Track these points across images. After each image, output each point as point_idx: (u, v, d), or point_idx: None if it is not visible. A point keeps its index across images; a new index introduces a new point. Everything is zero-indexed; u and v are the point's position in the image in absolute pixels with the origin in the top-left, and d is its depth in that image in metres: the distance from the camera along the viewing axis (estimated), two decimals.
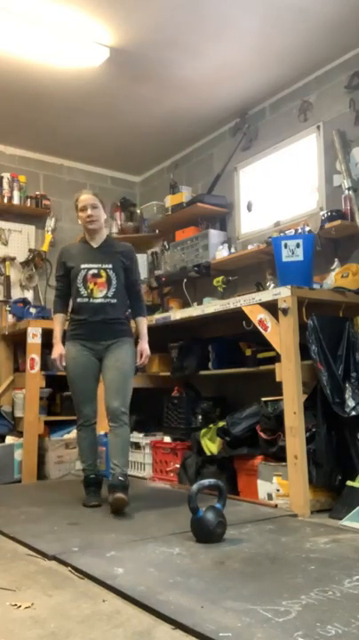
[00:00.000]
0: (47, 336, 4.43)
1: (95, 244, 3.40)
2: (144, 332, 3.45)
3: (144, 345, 3.42)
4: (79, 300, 3.32)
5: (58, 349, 3.36)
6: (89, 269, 3.32)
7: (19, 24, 3.55)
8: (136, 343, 3.43)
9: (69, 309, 3.44)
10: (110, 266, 3.34)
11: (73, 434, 4.32)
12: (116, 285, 3.34)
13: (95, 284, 3.30)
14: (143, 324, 3.47)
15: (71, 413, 3.71)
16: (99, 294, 3.30)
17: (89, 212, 3.33)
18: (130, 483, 3.20)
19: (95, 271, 3.32)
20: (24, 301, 4.89)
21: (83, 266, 3.32)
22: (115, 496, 2.97)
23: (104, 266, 3.33)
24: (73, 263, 3.35)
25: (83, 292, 3.30)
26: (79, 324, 3.33)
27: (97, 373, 3.37)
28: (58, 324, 3.44)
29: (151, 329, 4.33)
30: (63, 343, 3.39)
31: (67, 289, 3.40)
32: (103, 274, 3.32)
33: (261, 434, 3.38)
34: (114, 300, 3.33)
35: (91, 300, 3.30)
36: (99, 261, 3.34)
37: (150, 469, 4.27)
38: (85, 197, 3.36)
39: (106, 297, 3.31)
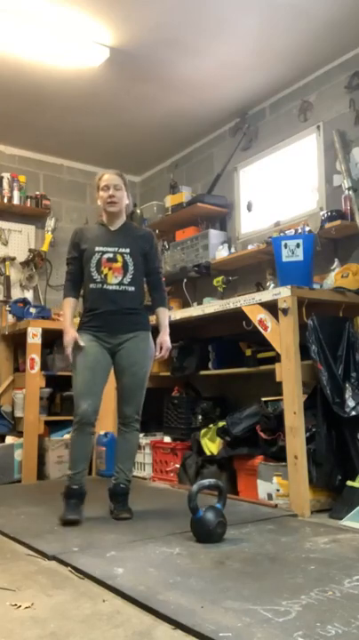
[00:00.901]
0: (47, 336, 4.44)
1: (113, 228, 3.14)
2: (165, 323, 3.18)
3: (165, 337, 3.14)
4: (92, 285, 3.03)
5: (71, 333, 3.00)
6: (104, 253, 3.03)
7: (19, 24, 3.56)
8: (154, 335, 3.17)
9: (82, 298, 3.18)
10: (127, 250, 3.06)
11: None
12: (133, 272, 3.06)
13: (110, 268, 3.02)
14: (165, 314, 3.21)
15: (71, 413, 3.65)
16: (114, 280, 3.02)
17: (111, 192, 3.06)
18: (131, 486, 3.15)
19: (111, 255, 3.04)
20: (24, 301, 4.89)
21: (97, 249, 3.04)
22: (120, 517, 2.96)
23: (121, 250, 3.05)
24: (86, 245, 3.07)
25: (96, 276, 3.02)
26: (93, 315, 3.04)
27: (107, 369, 3.06)
28: (69, 307, 3.11)
29: (151, 329, 4.35)
30: None
31: (80, 274, 3.11)
32: (119, 258, 3.04)
33: (261, 434, 3.38)
34: (130, 288, 3.05)
35: (105, 287, 3.01)
36: (116, 245, 3.06)
37: (150, 469, 4.27)
38: (109, 177, 3.09)
39: (121, 284, 3.03)
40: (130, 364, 3.04)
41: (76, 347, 2.99)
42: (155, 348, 3.12)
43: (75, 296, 3.16)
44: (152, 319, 3.23)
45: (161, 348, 3.12)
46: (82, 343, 2.97)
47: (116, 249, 3.06)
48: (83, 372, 2.97)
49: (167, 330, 3.17)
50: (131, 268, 3.06)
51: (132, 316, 3.06)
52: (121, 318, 3.03)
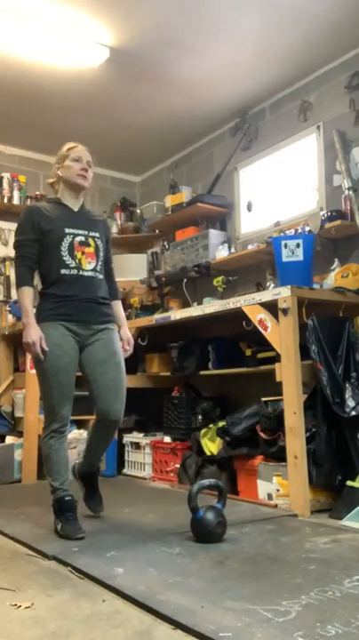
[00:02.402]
0: None
1: (75, 208, 2.84)
2: (124, 316, 3.01)
3: (128, 332, 2.98)
4: (64, 271, 2.69)
5: (36, 331, 2.63)
6: (75, 235, 2.73)
7: (19, 24, 3.56)
8: None
9: (41, 283, 2.82)
10: (97, 234, 2.81)
11: (73, 434, 4.32)
12: (103, 258, 2.82)
13: (83, 253, 2.73)
14: (121, 307, 3.02)
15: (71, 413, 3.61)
16: (89, 267, 2.74)
17: (85, 165, 2.79)
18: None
19: (82, 238, 2.75)
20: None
21: (67, 230, 2.72)
22: (99, 510, 3.00)
23: (91, 234, 2.78)
24: (51, 225, 2.71)
25: (69, 262, 2.69)
26: (63, 302, 2.69)
27: (77, 365, 2.76)
28: (29, 298, 2.69)
29: (151, 329, 4.35)
30: None
31: (37, 258, 2.74)
32: (92, 243, 2.77)
33: (261, 434, 3.38)
34: (101, 276, 2.81)
35: (81, 273, 2.72)
36: (86, 228, 2.78)
37: (150, 469, 4.27)
38: (82, 150, 2.84)
39: (94, 270, 2.76)
40: (111, 353, 2.77)
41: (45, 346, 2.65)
42: (123, 343, 2.91)
43: (33, 285, 2.75)
44: None
45: (127, 344, 2.95)
46: (46, 348, 2.63)
47: (87, 232, 2.78)
48: (59, 375, 2.67)
49: (126, 324, 3.02)
50: (101, 254, 2.82)
51: (105, 306, 2.83)
52: (95, 308, 2.77)
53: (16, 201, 5.19)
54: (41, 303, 2.78)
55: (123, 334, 2.94)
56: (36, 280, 2.84)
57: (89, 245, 2.77)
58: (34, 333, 2.63)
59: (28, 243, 2.74)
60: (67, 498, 2.67)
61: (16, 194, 5.19)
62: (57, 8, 3.44)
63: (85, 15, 3.54)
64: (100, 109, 4.70)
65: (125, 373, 2.83)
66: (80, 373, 2.79)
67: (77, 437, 4.32)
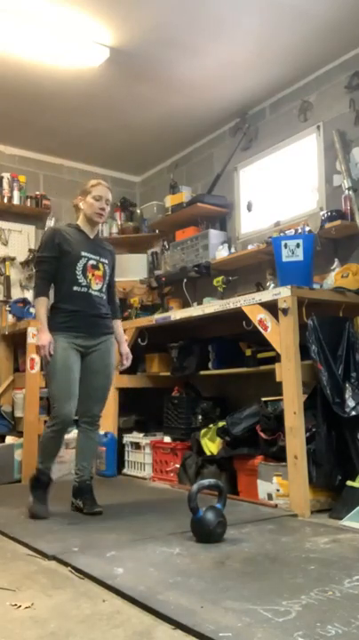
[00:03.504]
0: None
1: (91, 235, 3.27)
2: (123, 334, 3.46)
3: (127, 348, 3.41)
4: (76, 288, 3.12)
5: (48, 336, 3.04)
6: (89, 259, 3.17)
7: (19, 24, 3.56)
8: None
9: (54, 296, 3.22)
10: (106, 261, 3.27)
11: (73, 434, 4.31)
12: (107, 282, 3.28)
13: (93, 275, 3.18)
14: (121, 326, 3.46)
15: None
16: (96, 287, 3.19)
17: (104, 204, 3.20)
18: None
19: (94, 262, 3.19)
20: (24, 301, 4.89)
21: (84, 254, 3.16)
22: (94, 510, 3.06)
23: (102, 260, 3.24)
24: (70, 248, 3.14)
25: (82, 280, 3.13)
26: (72, 316, 3.12)
27: (79, 372, 3.17)
28: (44, 307, 3.11)
29: (151, 329, 4.35)
30: None
31: (54, 274, 3.15)
32: (101, 267, 3.22)
33: (261, 434, 3.38)
34: (105, 296, 3.26)
35: (89, 291, 3.16)
36: (98, 254, 3.23)
37: (150, 469, 4.27)
38: (104, 189, 3.22)
39: (100, 290, 3.22)
40: (104, 365, 3.22)
41: (54, 349, 3.05)
42: (122, 358, 3.36)
43: (48, 296, 3.16)
44: None
45: (126, 359, 3.37)
46: (52, 352, 3.03)
47: (98, 257, 3.23)
48: (64, 376, 3.07)
49: (125, 341, 3.46)
50: (107, 277, 3.27)
51: (107, 320, 3.27)
52: (99, 322, 3.21)
53: (16, 201, 5.19)
54: (53, 316, 3.14)
55: (122, 350, 3.38)
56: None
57: (99, 269, 3.22)
58: (45, 338, 3.05)
59: (49, 260, 3.15)
60: (42, 476, 3.11)
61: (16, 194, 5.19)
62: (57, 8, 3.44)
63: (85, 15, 3.54)
64: (100, 109, 4.70)
65: (112, 382, 3.34)
66: None
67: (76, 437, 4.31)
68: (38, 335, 3.09)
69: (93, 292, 3.18)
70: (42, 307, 3.11)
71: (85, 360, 3.18)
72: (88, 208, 3.21)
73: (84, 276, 3.15)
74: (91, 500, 3.12)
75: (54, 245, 3.14)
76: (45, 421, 3.58)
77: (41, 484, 3.11)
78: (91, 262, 3.18)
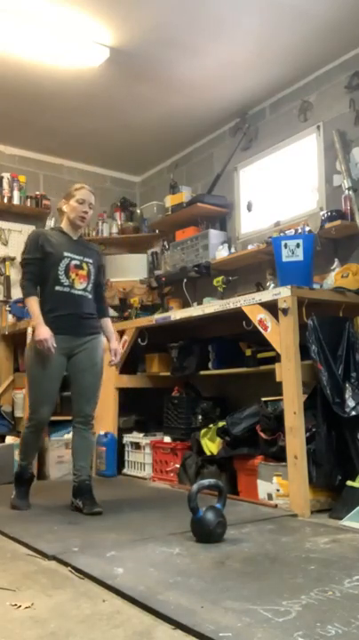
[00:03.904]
0: None
1: (74, 237, 3.31)
2: (113, 331, 3.46)
3: (117, 345, 3.42)
4: (58, 288, 3.16)
5: (47, 329, 3.07)
6: (72, 259, 3.21)
7: (19, 24, 3.56)
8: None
9: (39, 297, 3.24)
10: (91, 260, 3.29)
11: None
12: (93, 281, 3.29)
13: (77, 274, 3.21)
14: (111, 324, 3.48)
15: (71, 413, 3.65)
16: (80, 286, 3.21)
17: (86, 208, 3.25)
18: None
19: (77, 262, 3.23)
20: (24, 301, 4.88)
21: (66, 254, 3.19)
22: (94, 510, 3.05)
23: (86, 259, 3.27)
24: (52, 249, 3.18)
25: (64, 280, 3.17)
26: (56, 316, 3.14)
27: (63, 374, 3.26)
28: (37, 304, 3.14)
29: (151, 329, 4.35)
30: None
31: (39, 275, 3.19)
32: (85, 267, 3.25)
33: (261, 434, 3.38)
34: (90, 295, 3.28)
35: (72, 291, 3.19)
36: (81, 254, 3.27)
37: (150, 469, 4.26)
38: (87, 193, 3.27)
39: (85, 290, 3.24)
40: (92, 364, 3.25)
41: (41, 352, 3.07)
42: (110, 354, 3.35)
43: (37, 294, 3.19)
44: None
45: (115, 355, 3.37)
46: (55, 344, 3.06)
47: (82, 257, 3.26)
48: (45, 382, 3.17)
49: (115, 338, 3.46)
50: (92, 277, 3.29)
51: (91, 320, 3.29)
52: (83, 322, 3.23)
53: (16, 201, 5.19)
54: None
55: (111, 346, 3.38)
56: None
57: (82, 269, 3.25)
58: (45, 332, 3.07)
59: (33, 261, 3.20)
60: (26, 474, 3.32)
61: (16, 194, 5.19)
62: (57, 8, 3.44)
63: (85, 15, 3.54)
64: (100, 109, 4.70)
65: (101, 380, 3.35)
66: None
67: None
68: (36, 330, 3.08)
69: (76, 292, 3.20)
70: (34, 304, 3.14)
71: (72, 360, 3.22)
72: (71, 211, 3.26)
73: (67, 276, 3.18)
74: (91, 500, 3.12)
75: (38, 247, 3.19)
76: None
77: (23, 479, 3.30)
78: (74, 262, 3.21)
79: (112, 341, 3.41)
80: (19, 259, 5.24)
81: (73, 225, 3.29)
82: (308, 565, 2.12)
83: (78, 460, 3.25)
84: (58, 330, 3.12)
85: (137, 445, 4.41)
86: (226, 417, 3.65)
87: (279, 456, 3.23)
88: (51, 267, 3.17)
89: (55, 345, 3.06)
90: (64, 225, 3.32)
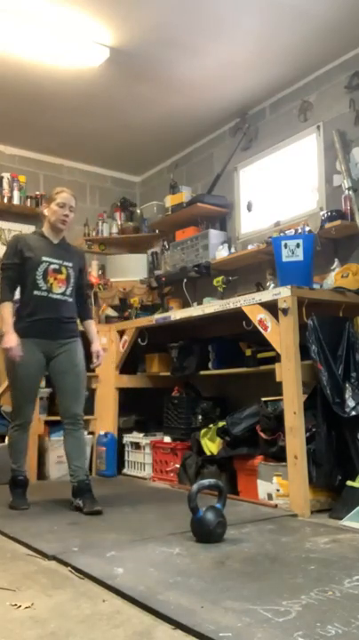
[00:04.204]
0: None
1: (55, 241, 3.35)
2: (95, 333, 3.51)
3: (99, 346, 3.46)
4: (36, 292, 3.21)
5: (14, 337, 3.14)
6: (50, 263, 3.25)
7: (19, 24, 3.56)
8: (87, 346, 3.42)
9: (19, 301, 3.32)
10: (71, 264, 3.32)
11: None
12: (73, 284, 3.33)
13: (55, 279, 3.25)
14: (93, 326, 3.52)
15: None
16: (58, 290, 3.26)
17: (67, 211, 3.29)
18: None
19: (56, 266, 3.26)
20: None
21: (44, 258, 3.24)
22: (94, 509, 3.06)
23: (65, 263, 3.30)
24: (31, 253, 3.23)
25: (42, 284, 3.22)
26: (33, 321, 3.22)
27: (43, 373, 3.35)
28: (9, 310, 3.22)
29: (151, 329, 4.36)
30: None
31: (17, 280, 3.26)
32: (64, 270, 3.29)
33: (261, 434, 3.38)
34: (70, 299, 3.32)
35: (50, 295, 3.23)
36: (61, 258, 3.30)
37: (150, 469, 4.27)
38: (68, 196, 3.30)
39: (64, 294, 3.28)
40: (73, 364, 3.29)
41: (17, 356, 3.15)
42: (93, 356, 3.41)
43: (12, 300, 3.27)
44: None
45: (97, 357, 3.42)
46: (20, 353, 3.13)
47: (61, 261, 3.29)
48: (26, 381, 3.26)
49: (98, 340, 3.50)
50: (72, 280, 3.32)
51: (70, 324, 3.34)
52: (61, 326, 3.28)
53: (16, 201, 5.19)
54: (16, 321, 3.24)
55: (93, 348, 3.43)
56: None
57: (61, 273, 3.28)
58: (11, 340, 3.14)
59: (12, 266, 3.26)
60: (20, 477, 3.33)
61: (16, 194, 5.19)
62: (57, 8, 3.44)
63: (85, 15, 3.54)
64: (101, 109, 4.70)
65: (85, 380, 3.38)
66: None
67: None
68: (5, 338, 3.15)
69: (54, 296, 3.25)
70: (6, 310, 3.21)
71: (52, 363, 3.29)
72: (52, 215, 3.29)
73: (45, 281, 3.22)
74: (91, 500, 3.13)
75: (17, 252, 3.24)
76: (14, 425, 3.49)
77: (19, 484, 3.32)
78: (52, 266, 3.25)
79: (94, 343, 3.44)
80: None
81: (54, 228, 3.32)
82: (308, 565, 2.12)
83: (73, 460, 3.26)
84: (36, 334, 3.21)
85: (137, 445, 4.41)
86: (226, 417, 3.65)
87: (279, 456, 3.23)
88: (29, 271, 3.22)
89: (21, 353, 3.13)
90: (45, 229, 3.36)
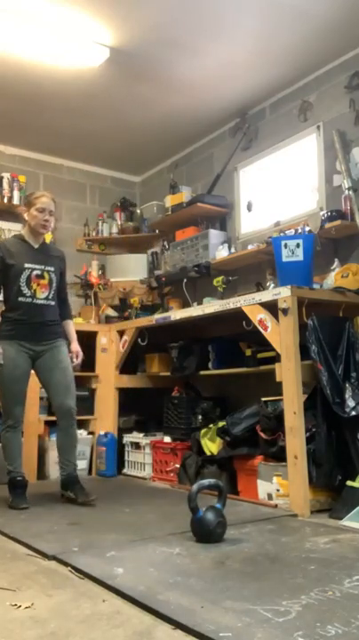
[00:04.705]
0: None
1: (35, 245, 3.42)
2: (74, 334, 3.58)
3: (77, 347, 3.55)
4: (21, 299, 3.31)
5: None
6: (33, 270, 3.34)
7: (19, 24, 3.56)
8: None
9: (3, 305, 3.42)
10: (52, 268, 3.41)
11: None
12: (55, 288, 3.42)
13: (38, 284, 3.35)
14: (72, 326, 3.61)
15: None
16: (42, 295, 3.36)
17: (47, 216, 3.36)
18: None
19: (39, 272, 3.36)
20: None
21: (27, 265, 3.32)
22: (90, 500, 3.22)
23: (47, 268, 3.39)
24: (13, 261, 3.31)
25: (26, 291, 3.31)
26: (18, 324, 3.32)
27: (29, 376, 3.41)
28: None
29: (151, 329, 4.36)
30: None
31: (1, 285, 3.36)
32: (46, 275, 3.38)
33: (261, 434, 3.38)
34: (52, 303, 3.42)
35: (34, 301, 3.34)
36: (42, 263, 3.38)
37: (150, 469, 4.27)
38: (47, 201, 3.37)
39: (47, 299, 3.38)
40: (57, 361, 3.38)
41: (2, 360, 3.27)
42: (72, 356, 3.49)
43: None
44: None
45: (76, 356, 3.51)
46: (1, 361, 3.25)
47: (43, 267, 3.38)
48: (13, 384, 3.32)
49: (76, 340, 3.58)
50: (54, 284, 3.42)
51: (54, 326, 3.44)
52: (46, 329, 3.39)
53: (16, 201, 5.18)
54: (1, 324, 3.37)
55: (72, 348, 3.52)
56: None
57: (44, 278, 3.38)
58: None
59: None
60: (18, 478, 3.33)
61: (16, 194, 5.19)
62: (57, 8, 3.44)
63: (85, 15, 3.54)
64: (101, 109, 4.70)
65: (72, 375, 3.44)
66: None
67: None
68: None
69: (39, 302, 3.35)
70: None
71: (37, 364, 3.39)
72: (32, 219, 3.35)
73: (29, 287, 3.32)
74: (82, 490, 3.27)
75: None
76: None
77: (17, 485, 3.32)
78: (35, 272, 3.34)
79: (73, 343, 3.54)
80: None
81: (34, 233, 3.40)
82: (308, 565, 2.12)
83: (64, 454, 3.38)
84: (21, 337, 3.32)
85: (137, 445, 4.41)
86: (226, 417, 3.65)
87: (279, 456, 3.23)
88: (13, 278, 3.30)
89: (1, 362, 3.24)
90: (25, 233, 3.44)
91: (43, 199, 3.35)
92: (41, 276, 3.36)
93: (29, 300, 3.32)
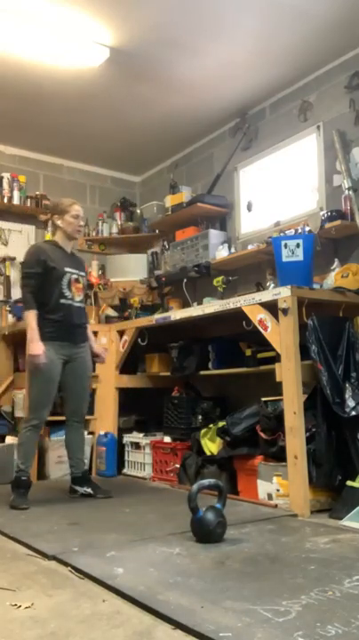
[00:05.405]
0: None
1: (68, 251, 3.61)
2: (92, 336, 3.81)
3: (98, 346, 3.86)
4: (63, 301, 3.45)
5: (41, 345, 3.35)
6: (72, 274, 3.51)
7: (19, 24, 3.56)
8: None
9: (41, 307, 3.46)
10: (83, 274, 3.65)
11: None
12: (85, 292, 3.70)
13: (76, 288, 3.53)
14: (89, 328, 3.78)
15: None
16: (78, 298, 3.54)
17: (81, 222, 3.60)
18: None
19: (76, 276, 3.54)
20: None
21: (67, 269, 3.49)
22: (108, 494, 3.49)
23: (81, 273, 3.61)
24: (54, 264, 3.45)
25: (67, 294, 3.47)
26: (58, 326, 3.43)
27: (59, 376, 3.50)
28: (35, 319, 3.40)
29: (151, 329, 4.35)
30: None
31: (41, 288, 3.44)
32: (81, 280, 3.59)
33: (261, 434, 3.38)
34: (84, 306, 3.64)
35: (73, 303, 3.50)
36: (76, 268, 3.58)
37: (150, 469, 4.26)
38: (79, 208, 3.57)
39: (81, 302, 3.59)
40: (85, 369, 3.60)
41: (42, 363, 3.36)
42: (99, 355, 3.76)
43: (36, 309, 3.42)
44: None
45: (103, 352, 3.82)
46: (45, 360, 3.33)
47: (78, 272, 3.59)
48: (49, 385, 3.43)
49: (94, 340, 3.85)
50: (85, 289, 3.68)
51: (85, 329, 3.65)
52: (80, 331, 3.58)
53: (16, 201, 5.19)
54: (41, 326, 3.41)
55: (97, 349, 3.78)
56: None
57: (79, 282, 3.58)
58: (38, 347, 3.33)
59: (35, 275, 3.44)
60: (23, 478, 3.39)
61: (16, 194, 5.19)
62: (57, 8, 3.44)
63: (85, 15, 3.54)
64: (100, 109, 4.70)
65: (91, 382, 3.75)
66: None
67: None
68: (32, 345, 3.35)
69: (76, 304, 3.52)
70: (33, 319, 3.39)
71: (69, 366, 3.51)
72: (68, 226, 3.53)
73: (70, 290, 3.49)
74: (95, 485, 3.54)
75: (39, 262, 3.43)
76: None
77: (22, 484, 3.38)
78: (73, 277, 3.52)
79: (94, 345, 3.77)
80: (19, 259, 5.26)
81: (70, 238, 3.58)
82: (308, 565, 2.12)
83: (75, 452, 3.60)
84: (60, 338, 3.44)
85: (137, 445, 4.41)
86: (226, 417, 3.65)
87: (279, 456, 3.23)
88: (55, 281, 3.44)
89: (45, 360, 3.32)
90: (59, 238, 3.59)
91: (75, 206, 3.53)
92: (77, 281, 3.54)
93: (69, 302, 3.48)
